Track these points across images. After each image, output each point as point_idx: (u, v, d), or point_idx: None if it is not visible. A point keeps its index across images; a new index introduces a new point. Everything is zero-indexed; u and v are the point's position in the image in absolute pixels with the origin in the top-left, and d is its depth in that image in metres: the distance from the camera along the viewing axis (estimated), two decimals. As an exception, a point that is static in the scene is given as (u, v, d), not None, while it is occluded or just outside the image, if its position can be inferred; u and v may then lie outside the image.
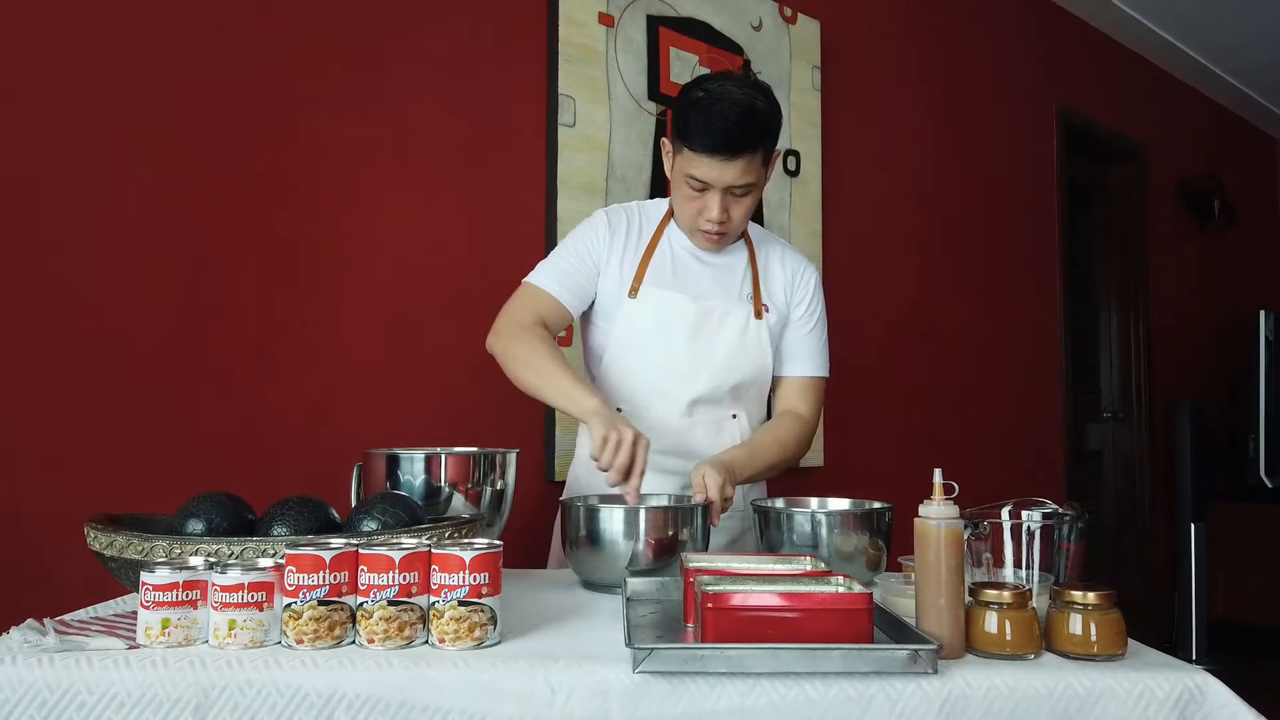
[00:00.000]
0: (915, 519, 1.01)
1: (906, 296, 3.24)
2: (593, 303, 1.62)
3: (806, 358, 1.67)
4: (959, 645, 0.97)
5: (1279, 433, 4.58)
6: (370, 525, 1.10)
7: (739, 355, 1.59)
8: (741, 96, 1.42)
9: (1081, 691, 0.90)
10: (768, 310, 1.62)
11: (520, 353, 1.49)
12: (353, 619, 0.96)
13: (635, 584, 1.18)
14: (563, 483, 2.13)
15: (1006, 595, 0.97)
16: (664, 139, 1.56)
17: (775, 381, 1.67)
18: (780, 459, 1.58)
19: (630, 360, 1.58)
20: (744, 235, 1.66)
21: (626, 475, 1.32)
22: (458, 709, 0.87)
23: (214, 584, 0.94)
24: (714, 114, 1.41)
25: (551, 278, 1.58)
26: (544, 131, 2.26)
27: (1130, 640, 0.99)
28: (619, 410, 1.58)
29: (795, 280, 1.67)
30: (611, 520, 1.27)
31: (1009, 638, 0.96)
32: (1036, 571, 1.09)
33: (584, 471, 1.62)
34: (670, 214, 1.63)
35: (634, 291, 1.57)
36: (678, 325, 1.56)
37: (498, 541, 1.01)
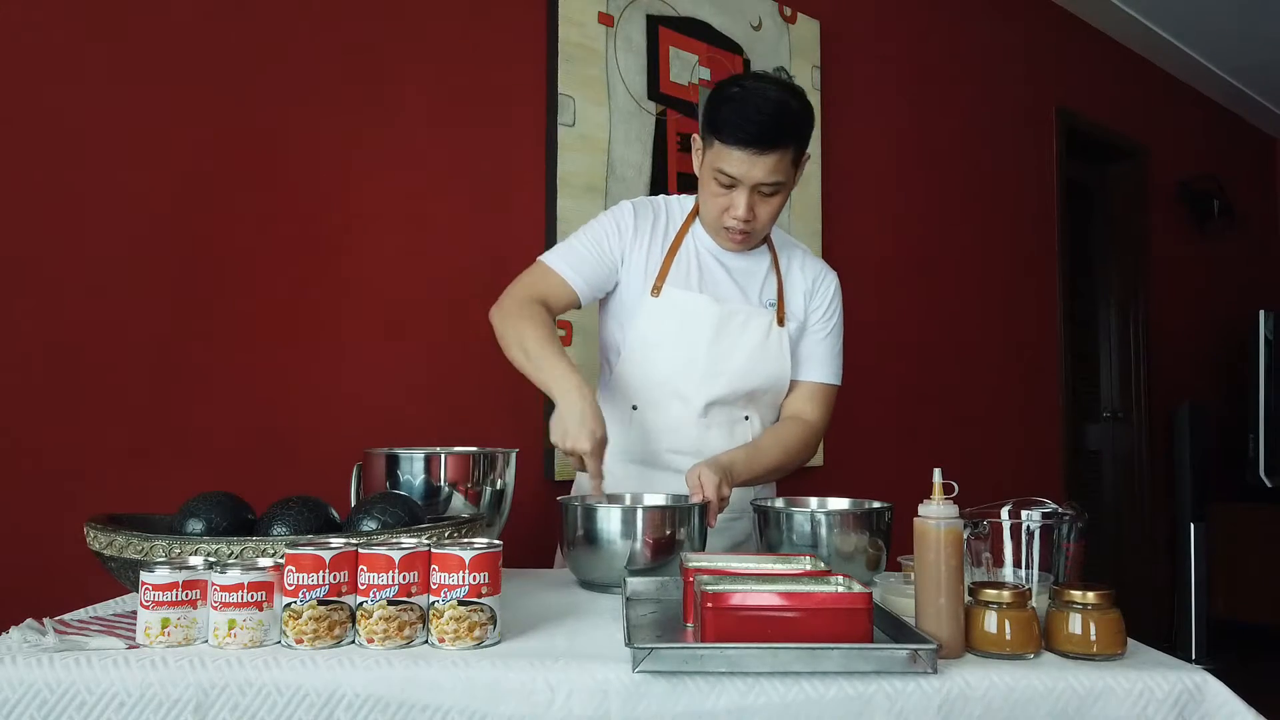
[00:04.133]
0: (915, 519, 1.01)
1: (906, 296, 3.24)
2: (611, 297, 1.62)
3: (819, 363, 1.66)
4: (958, 645, 0.97)
5: (1279, 433, 4.58)
6: (370, 525, 1.10)
7: (759, 361, 1.59)
8: (776, 94, 1.45)
9: (1081, 691, 0.90)
10: (788, 319, 1.62)
11: (512, 330, 1.49)
12: (352, 619, 0.96)
13: (635, 584, 1.18)
14: (562, 482, 2.14)
15: (1006, 595, 0.97)
16: (694, 135, 1.55)
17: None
18: (782, 462, 1.58)
19: (649, 358, 1.58)
20: (767, 240, 1.65)
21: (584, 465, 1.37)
22: (458, 709, 0.87)
23: (214, 584, 0.94)
24: (748, 107, 1.42)
25: (565, 260, 1.57)
26: (544, 131, 2.26)
27: (1129, 640, 0.99)
28: (634, 408, 1.58)
29: (815, 287, 1.66)
30: (609, 520, 1.27)
31: (1008, 637, 0.96)
32: (1036, 571, 1.10)
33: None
34: (695, 213, 1.62)
35: (656, 290, 1.57)
36: (699, 327, 1.56)
37: (497, 541, 1.01)
